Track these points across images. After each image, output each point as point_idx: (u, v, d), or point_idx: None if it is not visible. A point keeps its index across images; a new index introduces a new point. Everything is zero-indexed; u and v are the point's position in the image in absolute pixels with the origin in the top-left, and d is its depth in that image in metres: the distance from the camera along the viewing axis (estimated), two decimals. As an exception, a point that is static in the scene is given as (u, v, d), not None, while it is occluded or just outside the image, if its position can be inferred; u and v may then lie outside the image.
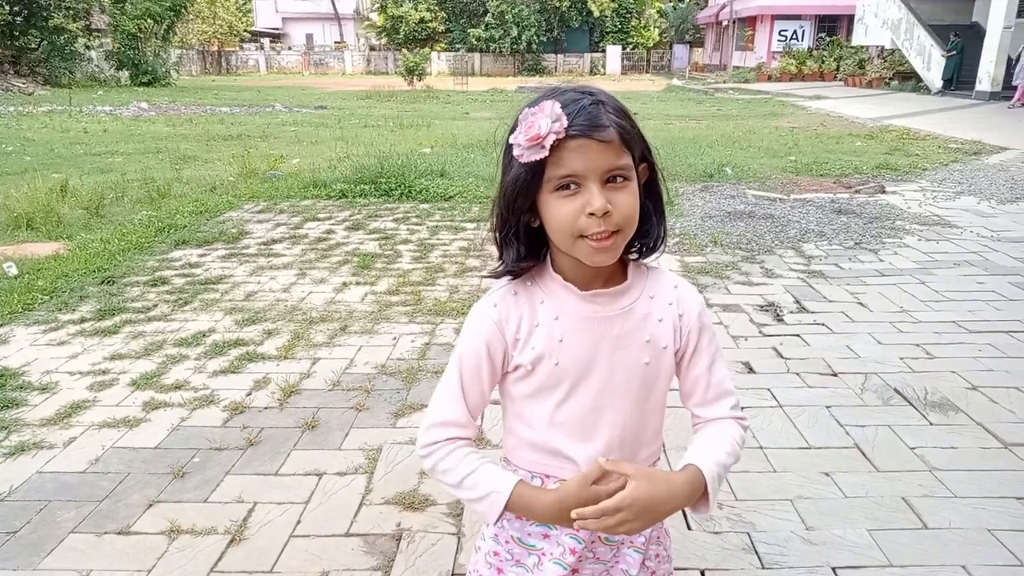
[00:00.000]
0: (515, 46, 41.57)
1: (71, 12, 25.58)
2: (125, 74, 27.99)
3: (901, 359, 3.39)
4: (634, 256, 1.12)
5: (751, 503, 2.30)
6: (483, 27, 41.82)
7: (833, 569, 2.01)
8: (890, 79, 24.32)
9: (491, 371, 1.11)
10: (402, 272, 4.78)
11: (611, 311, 1.09)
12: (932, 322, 3.86)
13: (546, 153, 0.97)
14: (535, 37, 41.57)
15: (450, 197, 7.10)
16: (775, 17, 33.68)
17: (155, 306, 4.14)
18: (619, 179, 1.00)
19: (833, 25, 33.22)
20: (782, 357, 3.44)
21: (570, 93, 1.01)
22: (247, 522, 2.23)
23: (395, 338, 3.69)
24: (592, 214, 0.98)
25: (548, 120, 0.96)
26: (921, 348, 3.52)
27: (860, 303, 4.16)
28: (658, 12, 45.66)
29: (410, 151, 9.02)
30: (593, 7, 42.25)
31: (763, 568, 2.02)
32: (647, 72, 43.40)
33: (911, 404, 2.96)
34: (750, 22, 35.66)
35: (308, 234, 5.78)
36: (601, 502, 1.01)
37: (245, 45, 48.97)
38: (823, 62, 29.72)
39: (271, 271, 4.82)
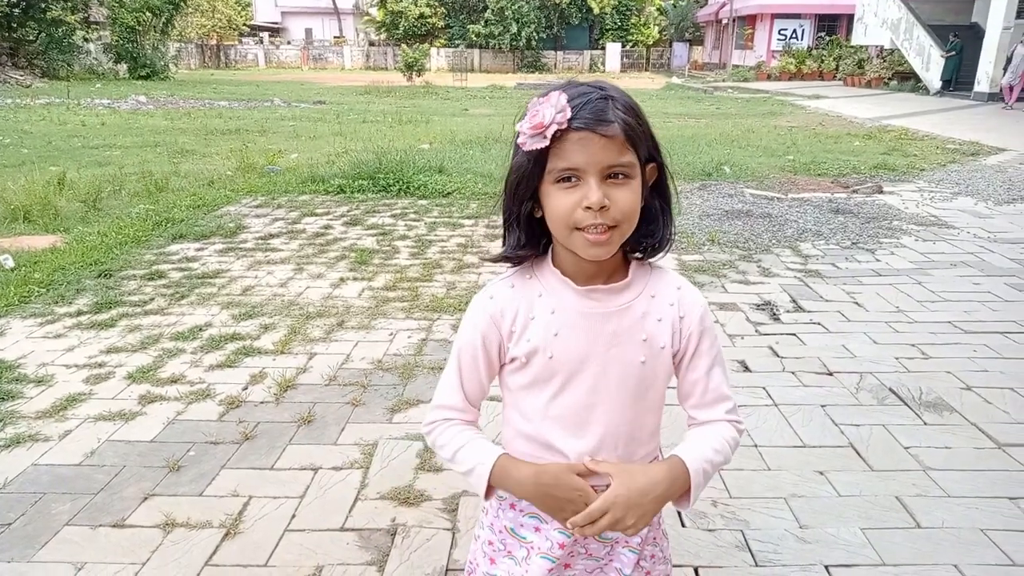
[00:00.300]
0: (515, 43, 41.50)
1: (69, 4, 25.47)
2: (123, 67, 27.88)
3: (896, 359, 3.40)
4: (638, 256, 1.12)
5: (745, 501, 2.31)
6: (483, 23, 41.74)
7: (826, 567, 2.02)
8: (889, 79, 24.33)
9: (487, 363, 1.14)
10: (399, 268, 4.78)
11: (608, 308, 1.09)
12: (928, 322, 3.87)
13: (547, 142, 0.98)
14: (535, 34, 41.50)
15: (448, 193, 7.10)
16: (775, 16, 33.68)
17: (152, 300, 4.13)
18: (620, 176, 1.00)
19: (833, 24, 33.22)
20: (778, 356, 3.45)
21: (582, 87, 1.01)
22: (242, 516, 2.24)
23: (392, 334, 3.70)
24: (588, 207, 0.98)
25: (552, 110, 0.97)
26: (916, 348, 3.53)
27: (856, 303, 4.17)
28: (658, 10, 45.61)
29: (408, 147, 9.02)
30: (593, 4, 42.20)
31: (757, 566, 2.03)
32: (646, 70, 43.38)
33: (906, 404, 2.97)
34: (750, 21, 35.66)
35: (306, 229, 5.77)
36: (588, 507, 1.03)
37: (244, 39, 48.83)
38: (822, 61, 29.73)
39: (268, 266, 4.81)
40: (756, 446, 2.63)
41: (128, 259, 4.86)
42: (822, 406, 2.95)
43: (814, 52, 30.90)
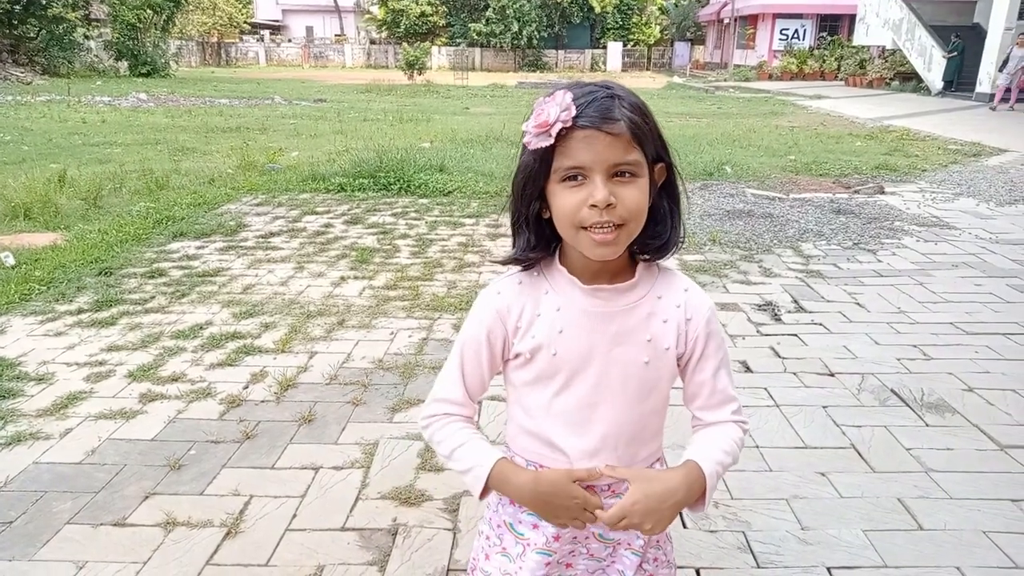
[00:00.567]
0: (516, 41, 41.47)
1: (70, 1, 25.43)
2: (124, 64, 27.86)
3: (898, 360, 3.40)
4: (645, 257, 1.11)
5: (747, 502, 2.31)
6: (484, 22, 41.71)
7: (828, 569, 2.02)
8: (891, 79, 24.31)
9: (491, 357, 1.14)
10: (400, 267, 4.77)
11: (613, 307, 1.09)
12: (929, 323, 3.86)
13: (551, 141, 0.98)
14: (536, 32, 41.46)
15: (449, 192, 7.09)
16: (777, 16, 33.66)
17: (152, 298, 4.13)
18: (626, 175, 1.00)
19: (834, 24, 33.21)
20: (779, 357, 3.44)
21: (588, 86, 1.01)
22: (243, 515, 2.23)
23: (392, 333, 3.69)
24: (594, 206, 0.98)
25: (558, 109, 0.97)
26: (918, 349, 3.53)
27: (858, 303, 4.17)
28: (660, 9, 45.58)
29: (409, 146, 9.00)
30: (595, 3, 42.16)
31: (758, 567, 2.03)
32: (648, 69, 43.35)
33: (907, 405, 2.96)
34: (752, 20, 35.63)
35: (306, 227, 5.77)
36: (606, 512, 1.04)
37: (245, 37, 48.78)
38: (824, 61, 29.70)
39: (269, 264, 4.81)
40: (758, 447, 2.63)
41: (129, 257, 4.86)
42: (824, 407, 2.95)
43: (816, 52, 30.87)
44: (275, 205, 6.55)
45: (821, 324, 3.86)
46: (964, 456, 2.59)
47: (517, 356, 1.12)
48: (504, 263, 1.13)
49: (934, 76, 21.31)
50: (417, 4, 42.85)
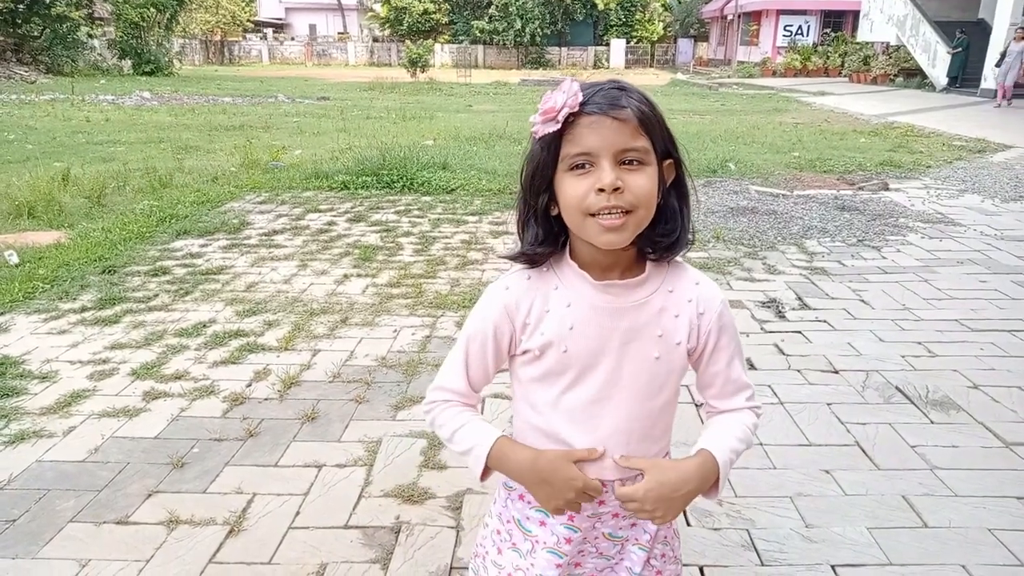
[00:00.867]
0: (519, 39, 41.42)
1: (74, 0, 25.49)
2: (128, 63, 27.93)
3: (903, 357, 3.38)
4: (652, 256, 1.10)
5: (751, 500, 2.30)
6: (487, 19, 41.66)
7: (833, 567, 2.01)
8: (895, 76, 24.22)
9: (496, 352, 1.13)
10: (403, 264, 4.77)
11: (624, 303, 1.08)
12: (934, 320, 3.85)
13: (558, 126, 0.97)
14: (539, 30, 41.39)
15: (452, 190, 7.09)
16: (780, 12, 33.54)
17: (156, 296, 4.13)
18: (634, 162, 0.99)
19: (838, 21, 33.07)
20: (783, 354, 3.43)
21: (597, 81, 1.02)
22: (246, 513, 2.23)
23: (396, 331, 3.69)
24: (602, 190, 0.97)
25: (564, 96, 0.97)
26: (923, 346, 3.51)
27: (862, 300, 4.15)
28: (663, 6, 45.45)
29: (412, 143, 8.99)
30: (598, 0, 42.07)
31: (762, 565, 2.02)
32: (651, 66, 43.26)
33: (912, 402, 2.95)
34: (755, 17, 35.52)
35: (309, 225, 5.77)
36: (620, 489, 1.06)
37: (248, 35, 48.84)
38: (828, 58, 29.61)
39: (272, 262, 4.81)
40: (762, 444, 2.62)
41: (132, 255, 4.87)
42: (828, 404, 2.93)
43: (820, 48, 30.78)
44: (278, 203, 6.56)
45: (825, 321, 3.84)
46: (969, 453, 2.58)
47: (525, 352, 1.11)
48: (511, 259, 1.11)
49: (938, 72, 21.23)
50: (420, 2, 42.81)
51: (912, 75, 23.23)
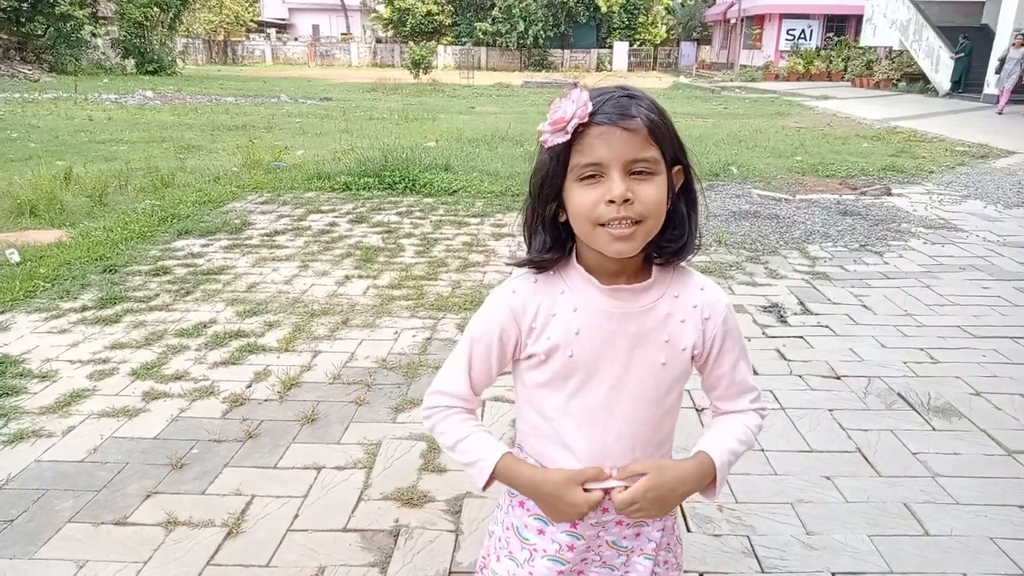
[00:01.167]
0: (522, 41, 41.45)
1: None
2: (131, 62, 27.96)
3: (904, 363, 3.37)
4: (658, 261, 1.10)
5: (751, 506, 2.29)
6: (490, 21, 41.70)
7: (833, 574, 2.00)
8: (898, 80, 24.22)
9: (501, 356, 1.12)
10: (405, 266, 4.76)
11: (631, 308, 1.07)
12: (936, 326, 3.83)
13: (568, 137, 0.97)
14: (542, 32, 41.43)
15: (454, 191, 7.08)
16: (783, 16, 33.56)
17: (157, 296, 4.13)
18: (644, 172, 0.99)
19: (841, 25, 33.09)
20: (785, 359, 3.42)
21: (605, 88, 1.01)
22: (245, 515, 2.23)
23: (396, 332, 3.68)
24: (611, 201, 0.96)
25: (574, 106, 0.96)
26: (925, 352, 3.50)
27: (864, 306, 4.14)
28: (666, 9, 45.50)
29: (415, 145, 8.99)
30: (601, 3, 42.09)
31: (763, 572, 2.01)
32: (654, 69, 43.27)
33: (914, 409, 2.94)
34: (758, 20, 35.53)
35: (311, 226, 5.76)
36: (618, 496, 1.05)
37: (251, 35, 48.90)
38: (831, 62, 29.61)
39: (273, 263, 4.80)
40: (763, 450, 2.61)
41: (133, 255, 4.86)
42: (829, 410, 2.92)
43: (822, 53, 30.77)
44: (280, 203, 6.55)
45: (827, 326, 3.83)
46: (971, 461, 2.57)
47: (531, 357, 1.10)
48: (519, 265, 1.11)
49: (941, 77, 21.22)
50: (423, 3, 42.87)
51: (915, 80, 23.24)
